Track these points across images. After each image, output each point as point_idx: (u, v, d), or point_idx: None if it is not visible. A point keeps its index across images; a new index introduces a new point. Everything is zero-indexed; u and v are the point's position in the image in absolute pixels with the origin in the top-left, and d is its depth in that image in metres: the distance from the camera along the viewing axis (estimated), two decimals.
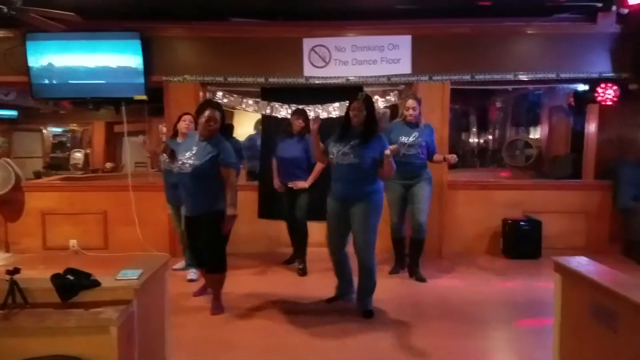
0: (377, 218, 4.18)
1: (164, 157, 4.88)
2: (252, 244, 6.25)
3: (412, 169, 5.06)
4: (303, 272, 5.46)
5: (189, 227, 4.27)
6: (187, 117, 5.20)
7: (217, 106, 4.19)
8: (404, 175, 5.00)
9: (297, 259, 5.63)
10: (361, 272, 4.23)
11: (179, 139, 5.00)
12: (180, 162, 4.12)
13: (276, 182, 5.53)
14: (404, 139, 4.99)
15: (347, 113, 4.18)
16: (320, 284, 4.90)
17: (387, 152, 3.96)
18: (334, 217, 4.23)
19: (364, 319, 4.18)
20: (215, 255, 4.21)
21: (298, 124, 5.37)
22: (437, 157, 5.22)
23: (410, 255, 5.32)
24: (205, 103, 4.39)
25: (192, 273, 5.23)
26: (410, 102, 5.07)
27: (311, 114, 6.19)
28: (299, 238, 5.56)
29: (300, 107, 5.75)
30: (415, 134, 5.05)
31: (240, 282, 5.02)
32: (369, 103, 4.13)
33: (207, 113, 4.05)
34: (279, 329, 4.02)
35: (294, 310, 4.37)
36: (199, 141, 4.12)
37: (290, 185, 5.37)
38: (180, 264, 5.54)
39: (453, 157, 5.13)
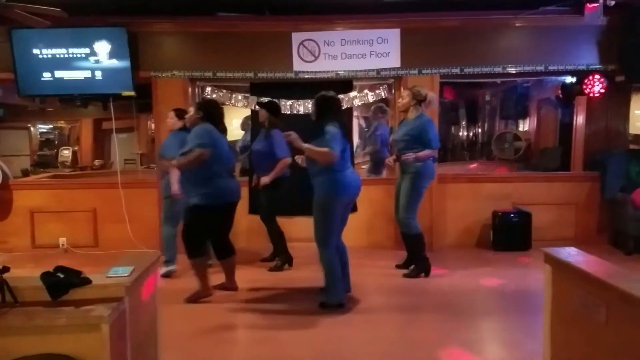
0: (323, 211, 4.16)
1: None
2: (245, 239, 6.23)
3: (404, 164, 5.05)
4: (277, 268, 5.42)
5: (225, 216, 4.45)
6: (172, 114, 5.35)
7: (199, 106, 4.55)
8: (401, 170, 5.13)
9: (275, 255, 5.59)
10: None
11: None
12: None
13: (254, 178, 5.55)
14: (396, 134, 5.10)
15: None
16: (306, 277, 4.97)
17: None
18: (340, 215, 4.26)
19: (338, 312, 4.21)
20: (222, 242, 4.54)
21: (261, 114, 5.39)
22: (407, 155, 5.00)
23: (406, 250, 5.36)
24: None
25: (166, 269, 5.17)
26: (401, 92, 5.09)
27: (301, 109, 6.19)
28: (269, 236, 5.53)
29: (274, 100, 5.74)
30: (404, 128, 5.08)
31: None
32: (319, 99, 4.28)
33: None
34: (269, 323, 4.03)
35: (283, 304, 4.40)
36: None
37: (255, 182, 5.42)
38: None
39: (389, 160, 5.38)
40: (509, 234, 6.13)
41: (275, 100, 5.78)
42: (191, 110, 4.81)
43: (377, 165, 7.35)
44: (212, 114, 4.42)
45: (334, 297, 4.26)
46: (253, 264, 5.66)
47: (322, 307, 4.25)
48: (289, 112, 6.23)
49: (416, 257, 5.20)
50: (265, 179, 5.20)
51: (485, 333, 3.93)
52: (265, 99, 5.72)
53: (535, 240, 6.07)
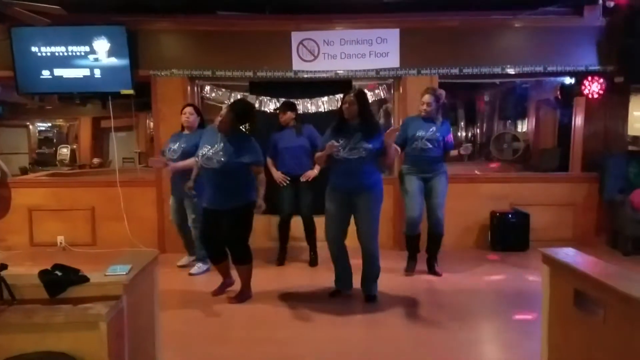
0: (380, 208, 4.32)
1: (171, 148, 5.13)
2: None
3: (430, 163, 5.03)
4: (314, 262, 5.55)
5: (211, 220, 4.31)
6: (188, 110, 5.23)
7: (238, 108, 4.29)
8: (422, 169, 5.03)
9: (311, 251, 5.65)
10: (367, 259, 4.36)
11: (186, 132, 5.20)
12: (203, 157, 4.19)
13: (279, 175, 5.41)
14: (421, 132, 4.96)
15: (340, 108, 4.25)
16: (321, 276, 5.00)
17: (390, 133, 4.15)
18: (338, 209, 4.28)
19: (365, 304, 4.35)
20: (247, 247, 4.38)
21: (285, 117, 5.39)
22: (452, 152, 5.19)
23: (429, 251, 5.29)
24: (232, 103, 4.44)
25: (197, 267, 5.22)
26: (427, 97, 4.99)
27: (300, 108, 6.19)
28: (309, 233, 5.57)
29: (284, 100, 5.75)
30: (433, 128, 5.00)
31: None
32: (361, 97, 4.22)
33: (222, 112, 4.22)
34: (270, 320, 4.05)
35: (288, 302, 4.41)
36: (222, 137, 4.20)
37: (303, 178, 5.32)
38: (185, 259, 5.52)
39: (467, 148, 5.22)
40: (507, 234, 6.13)
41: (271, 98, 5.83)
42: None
43: None
44: (247, 115, 4.37)
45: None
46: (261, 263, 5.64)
47: (374, 299, 4.41)
48: None
49: (436, 255, 5.27)
50: (314, 172, 5.27)
51: (484, 333, 3.93)
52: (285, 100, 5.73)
53: (533, 241, 6.07)
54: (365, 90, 6.28)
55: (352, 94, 4.19)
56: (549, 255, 2.78)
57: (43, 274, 2.23)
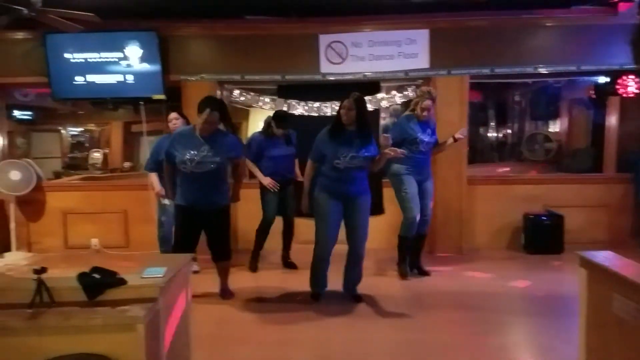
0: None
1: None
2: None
3: (427, 165, 5.08)
4: (293, 265, 5.55)
5: (190, 217, 4.27)
6: (173, 115, 5.20)
7: (218, 106, 4.21)
8: (420, 171, 5.00)
9: (286, 251, 5.65)
10: (356, 263, 4.40)
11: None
12: (192, 163, 4.11)
13: (269, 180, 5.29)
14: (423, 137, 4.94)
15: (338, 115, 4.22)
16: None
17: (388, 144, 4.27)
18: (332, 214, 4.26)
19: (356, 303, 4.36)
20: (228, 244, 4.47)
21: (282, 133, 5.32)
22: (444, 142, 5.20)
23: (415, 251, 5.25)
24: (206, 101, 4.24)
25: (195, 266, 5.19)
26: (427, 103, 4.94)
27: (328, 111, 6.19)
28: (291, 235, 5.60)
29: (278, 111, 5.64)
30: (429, 130, 5.03)
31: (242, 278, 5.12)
32: (360, 103, 4.17)
33: (205, 115, 4.08)
34: (292, 322, 4.05)
35: (303, 304, 4.42)
36: (202, 138, 4.15)
37: (299, 179, 5.30)
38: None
39: (462, 132, 5.22)
40: (541, 236, 6.02)
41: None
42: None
43: None
44: (225, 112, 4.33)
45: None
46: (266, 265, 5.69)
47: (361, 299, 4.43)
48: (315, 114, 6.24)
49: (420, 255, 5.30)
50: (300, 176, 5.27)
51: (518, 337, 3.86)
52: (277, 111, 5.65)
53: (567, 243, 5.96)
54: (393, 92, 6.30)
55: (351, 99, 4.14)
56: (587, 259, 2.73)
57: (82, 277, 2.26)
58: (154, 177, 5.19)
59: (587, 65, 6.04)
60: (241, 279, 5.10)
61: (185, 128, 4.41)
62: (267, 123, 5.38)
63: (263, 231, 5.48)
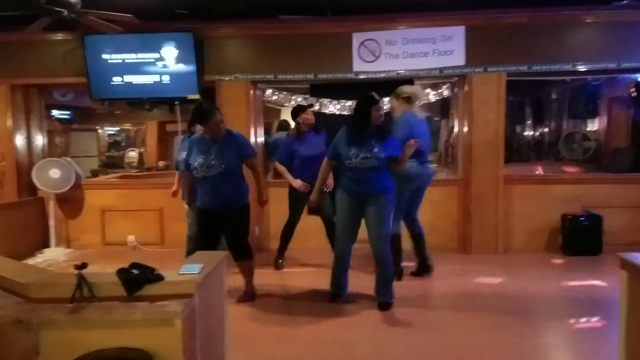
0: (392, 211, 4.29)
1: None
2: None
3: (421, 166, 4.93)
4: None
5: (209, 221, 4.35)
6: None
7: (214, 108, 4.30)
8: (415, 177, 4.85)
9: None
10: (379, 263, 4.28)
11: None
12: (202, 167, 4.19)
13: (299, 183, 5.24)
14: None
15: (360, 114, 4.16)
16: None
17: (411, 145, 4.13)
18: (350, 213, 4.25)
19: (381, 311, 4.22)
20: (247, 243, 4.48)
21: (310, 116, 5.28)
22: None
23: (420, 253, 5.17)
24: (201, 109, 4.28)
25: None
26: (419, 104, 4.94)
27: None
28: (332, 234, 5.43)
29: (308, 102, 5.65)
30: (424, 128, 4.95)
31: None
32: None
33: (215, 119, 4.17)
34: (332, 321, 4.03)
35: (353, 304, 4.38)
36: (212, 142, 4.23)
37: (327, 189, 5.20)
38: None
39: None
40: (579, 237, 5.88)
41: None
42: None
43: None
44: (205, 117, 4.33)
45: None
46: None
47: (388, 307, 4.26)
48: (348, 113, 6.22)
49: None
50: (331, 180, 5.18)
51: (558, 340, 3.77)
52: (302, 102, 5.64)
53: (606, 245, 5.81)
54: (428, 90, 6.22)
55: (381, 100, 4.16)
56: (628, 260, 2.65)
57: (121, 272, 2.30)
58: (176, 176, 5.37)
59: (628, 63, 5.87)
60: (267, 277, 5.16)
61: (197, 135, 4.45)
62: (297, 123, 5.35)
63: (287, 231, 5.49)
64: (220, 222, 4.33)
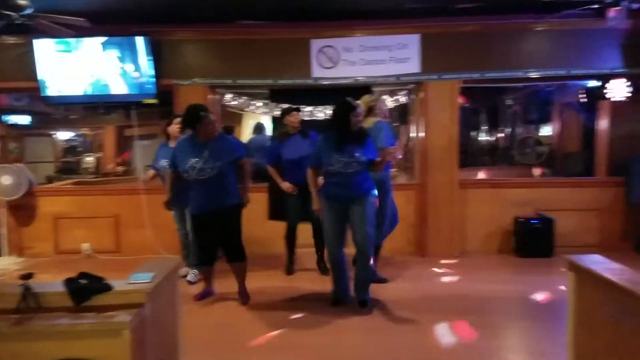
0: (375, 212, 4.39)
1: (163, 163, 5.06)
2: (265, 246, 6.16)
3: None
4: (326, 271, 5.31)
5: (204, 226, 4.37)
6: (177, 120, 5.09)
7: (207, 109, 4.33)
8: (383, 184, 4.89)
9: (321, 259, 5.49)
10: (362, 263, 4.35)
11: (171, 143, 5.08)
12: (194, 170, 4.17)
13: (287, 185, 5.21)
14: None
15: (339, 120, 4.18)
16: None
17: (391, 151, 4.18)
18: (334, 217, 4.30)
19: (361, 309, 4.33)
20: (241, 245, 4.48)
21: (295, 119, 5.26)
22: None
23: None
24: (195, 110, 4.26)
25: (192, 275, 5.23)
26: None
27: (320, 115, 6.19)
28: (320, 237, 5.28)
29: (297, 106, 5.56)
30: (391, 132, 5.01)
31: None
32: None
33: (208, 122, 4.19)
34: (290, 328, 4.03)
35: (304, 310, 4.39)
36: (202, 145, 4.21)
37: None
38: (185, 269, 5.35)
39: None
40: (532, 240, 6.04)
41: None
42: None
43: None
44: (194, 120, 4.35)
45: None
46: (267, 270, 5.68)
47: (366, 304, 4.38)
48: (308, 118, 6.25)
49: None
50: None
51: (509, 341, 3.87)
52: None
53: (558, 247, 5.98)
54: (385, 96, 6.31)
55: (359, 105, 4.23)
56: (575, 263, 2.74)
57: (68, 283, 2.26)
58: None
59: (577, 70, 6.08)
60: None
61: (186, 136, 4.40)
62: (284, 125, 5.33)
63: (288, 237, 5.49)
64: (215, 226, 4.34)
